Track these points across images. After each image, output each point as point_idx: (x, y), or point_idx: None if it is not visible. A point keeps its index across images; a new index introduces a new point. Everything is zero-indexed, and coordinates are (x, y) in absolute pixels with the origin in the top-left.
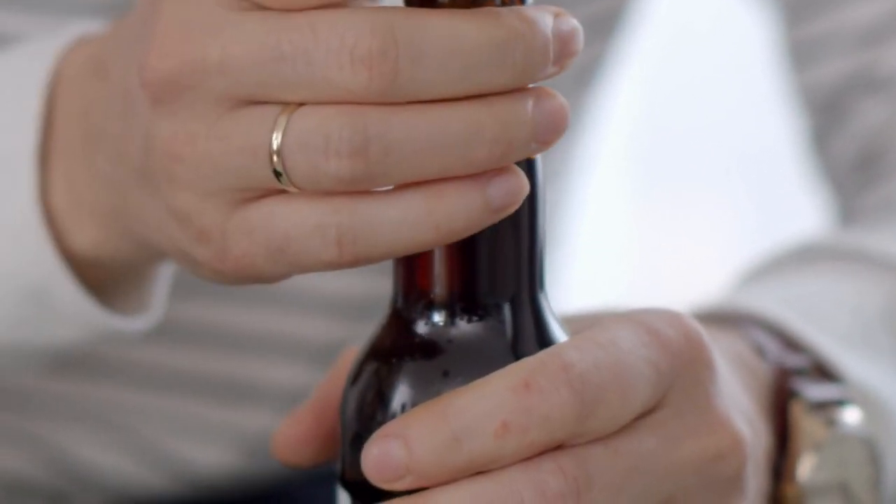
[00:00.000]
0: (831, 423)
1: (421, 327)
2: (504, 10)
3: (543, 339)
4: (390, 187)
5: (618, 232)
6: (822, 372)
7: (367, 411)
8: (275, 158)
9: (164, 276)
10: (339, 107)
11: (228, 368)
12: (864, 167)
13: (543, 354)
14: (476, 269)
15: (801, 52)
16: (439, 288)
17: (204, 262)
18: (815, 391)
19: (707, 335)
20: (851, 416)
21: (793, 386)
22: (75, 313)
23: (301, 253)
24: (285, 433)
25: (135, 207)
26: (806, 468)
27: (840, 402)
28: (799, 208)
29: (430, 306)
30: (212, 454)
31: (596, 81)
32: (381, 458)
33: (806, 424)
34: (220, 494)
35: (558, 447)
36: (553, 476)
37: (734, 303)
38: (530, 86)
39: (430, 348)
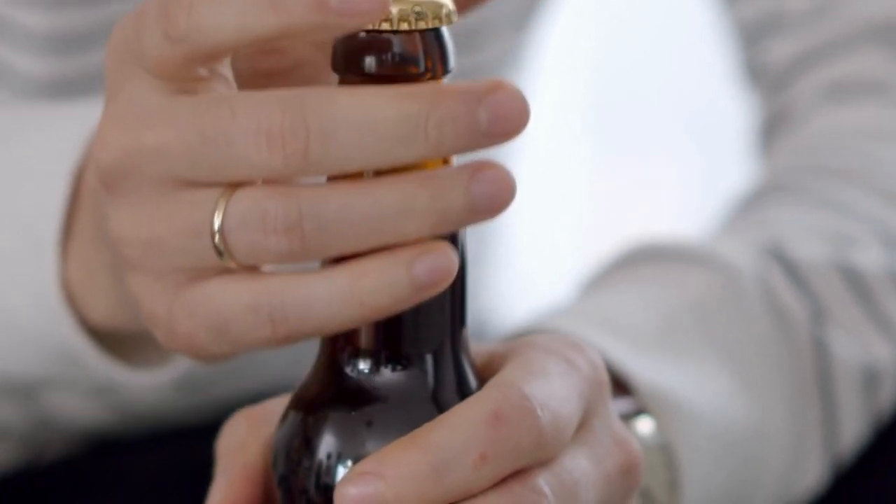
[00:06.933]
0: None
1: (347, 375)
2: (421, 84)
3: (462, 388)
4: (317, 266)
5: (574, 196)
6: (616, 381)
7: (294, 457)
8: (216, 238)
9: None
10: (275, 187)
11: None
12: (772, 124)
13: (500, 385)
14: (401, 322)
15: None
16: (366, 338)
17: (161, 341)
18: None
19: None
20: (644, 426)
21: None
22: (101, 372)
23: (239, 332)
24: None
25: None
26: None
27: (635, 415)
28: (748, 172)
29: (356, 355)
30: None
31: (533, 25)
32: (359, 496)
33: None
34: (151, 429)
35: (516, 472)
36: (527, 500)
37: (534, 324)
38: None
39: (355, 396)
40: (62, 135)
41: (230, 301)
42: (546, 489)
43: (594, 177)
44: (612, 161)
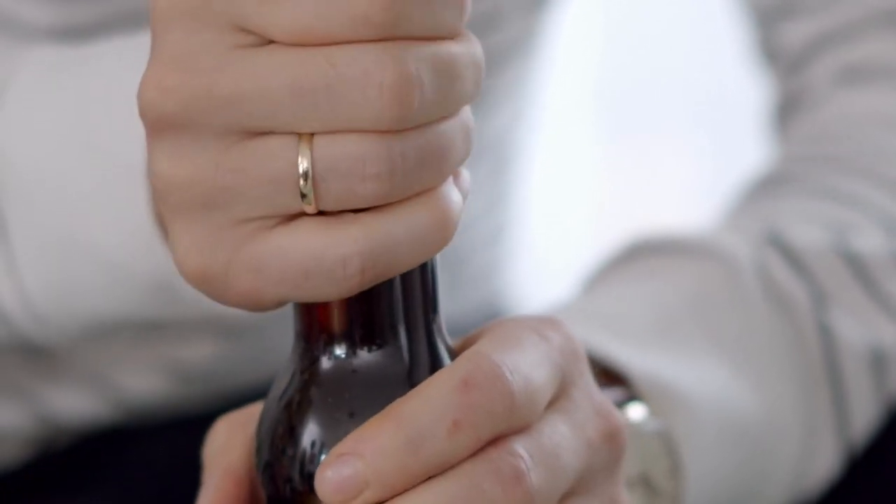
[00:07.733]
0: None
1: (325, 362)
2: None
3: (437, 368)
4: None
5: (586, 179)
6: (610, 375)
7: (279, 445)
8: (302, 183)
9: None
10: (363, 133)
11: None
12: (786, 107)
13: (470, 355)
14: (375, 305)
15: None
16: (339, 322)
17: (210, 296)
18: None
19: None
20: (635, 412)
21: None
22: (197, 303)
23: (318, 285)
24: None
25: None
26: None
27: (625, 402)
28: (761, 156)
29: (332, 341)
30: (145, 381)
31: (546, 8)
32: (338, 478)
33: None
34: (154, 420)
35: (493, 440)
36: (504, 463)
37: None
38: None
39: (332, 381)
40: (136, 59)
41: (312, 256)
42: (523, 452)
43: (607, 160)
44: (624, 144)
